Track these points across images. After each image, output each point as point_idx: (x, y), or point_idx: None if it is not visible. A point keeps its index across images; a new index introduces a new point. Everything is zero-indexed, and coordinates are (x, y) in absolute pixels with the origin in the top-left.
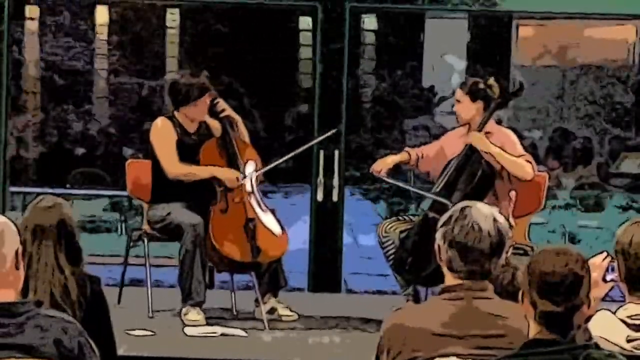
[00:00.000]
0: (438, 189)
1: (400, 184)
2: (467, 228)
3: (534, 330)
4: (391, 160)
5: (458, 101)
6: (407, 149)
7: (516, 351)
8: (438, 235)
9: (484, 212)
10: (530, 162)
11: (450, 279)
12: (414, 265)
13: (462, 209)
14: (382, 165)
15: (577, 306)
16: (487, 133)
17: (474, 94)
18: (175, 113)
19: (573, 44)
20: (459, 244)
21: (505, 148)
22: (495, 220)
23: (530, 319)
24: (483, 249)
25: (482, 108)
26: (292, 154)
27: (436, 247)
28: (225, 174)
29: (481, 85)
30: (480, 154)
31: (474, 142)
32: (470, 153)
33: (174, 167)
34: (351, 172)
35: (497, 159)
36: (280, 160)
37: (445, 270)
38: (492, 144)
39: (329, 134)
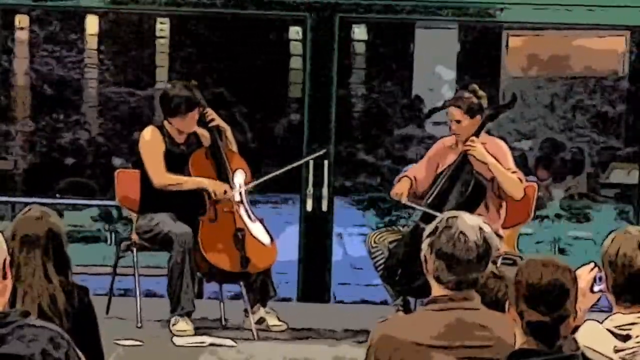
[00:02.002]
0: (429, 200)
1: (419, 207)
2: (454, 239)
3: (520, 340)
4: (407, 184)
5: (458, 121)
6: (405, 174)
7: None
8: (424, 246)
9: (470, 223)
10: (522, 181)
11: (437, 290)
12: (404, 276)
13: (448, 220)
14: (403, 189)
15: (564, 317)
16: (481, 144)
17: (472, 111)
18: (165, 122)
19: (563, 55)
20: (445, 254)
21: (497, 161)
22: (481, 230)
23: (517, 329)
24: (470, 259)
25: (479, 121)
26: (280, 170)
27: (422, 257)
28: (214, 185)
29: (475, 100)
30: (473, 165)
31: (471, 150)
32: (462, 164)
33: (161, 178)
34: (341, 182)
35: (492, 170)
36: (269, 176)
37: (432, 280)
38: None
39: (317, 154)
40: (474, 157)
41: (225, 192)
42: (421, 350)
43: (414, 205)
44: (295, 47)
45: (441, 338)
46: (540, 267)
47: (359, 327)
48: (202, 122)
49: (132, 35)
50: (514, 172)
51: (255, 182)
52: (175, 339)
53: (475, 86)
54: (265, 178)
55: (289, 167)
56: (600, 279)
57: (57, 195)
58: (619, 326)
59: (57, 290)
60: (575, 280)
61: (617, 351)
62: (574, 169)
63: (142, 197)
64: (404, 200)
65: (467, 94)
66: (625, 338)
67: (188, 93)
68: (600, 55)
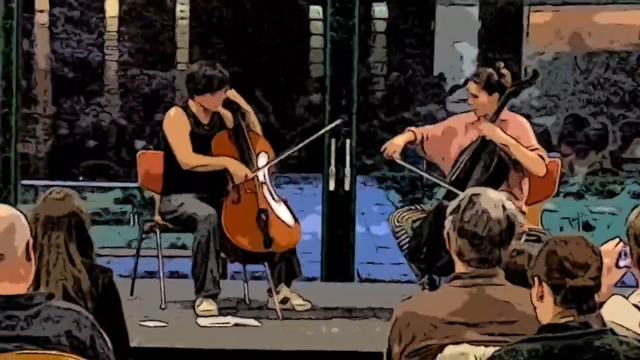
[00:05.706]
0: (453, 178)
1: (414, 169)
2: (477, 217)
3: (550, 313)
4: (401, 140)
5: (475, 95)
6: (410, 128)
7: (532, 336)
8: (447, 223)
9: (493, 200)
10: (543, 158)
11: (460, 266)
12: (429, 255)
13: (471, 197)
14: (395, 147)
15: (599, 283)
16: (502, 121)
17: (490, 87)
18: (190, 103)
19: (584, 30)
20: (468, 232)
21: (520, 139)
22: (504, 207)
23: (543, 304)
24: (493, 237)
25: (498, 99)
26: (300, 145)
27: (445, 234)
28: (236, 167)
29: (495, 77)
30: (496, 143)
31: (488, 135)
32: (485, 141)
33: (188, 158)
34: (363, 161)
35: (512, 151)
36: (289, 152)
37: (455, 257)
38: (508, 134)
39: (336, 122)
40: (494, 140)
41: (246, 175)
42: (445, 327)
43: (405, 164)
44: (316, 27)
45: (464, 314)
46: (572, 239)
47: (383, 305)
48: (226, 103)
49: (153, 16)
50: (535, 150)
51: (276, 160)
52: (199, 320)
53: (501, 64)
54: (284, 155)
55: (307, 140)
56: (625, 254)
57: (80, 177)
58: None
59: (80, 272)
60: (600, 257)
61: None
62: (597, 145)
63: (166, 178)
64: (397, 158)
65: (489, 70)
66: None
67: (218, 71)
68: (621, 30)
